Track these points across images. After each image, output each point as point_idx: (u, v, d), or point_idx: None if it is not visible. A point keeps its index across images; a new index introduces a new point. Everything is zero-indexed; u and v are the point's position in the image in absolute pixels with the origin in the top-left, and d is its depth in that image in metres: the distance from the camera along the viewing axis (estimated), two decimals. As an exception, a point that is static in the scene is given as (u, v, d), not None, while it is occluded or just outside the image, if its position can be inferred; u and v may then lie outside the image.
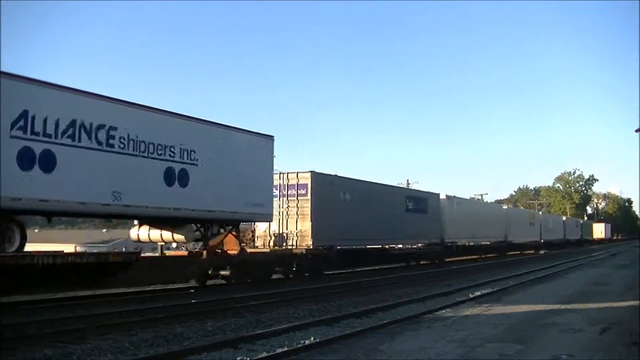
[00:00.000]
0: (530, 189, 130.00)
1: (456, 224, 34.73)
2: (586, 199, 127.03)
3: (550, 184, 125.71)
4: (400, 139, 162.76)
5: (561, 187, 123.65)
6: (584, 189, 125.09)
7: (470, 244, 38.48)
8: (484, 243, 41.43)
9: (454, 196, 36.57)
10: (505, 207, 51.34)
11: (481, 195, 60.89)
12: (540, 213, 63.88)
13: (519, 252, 49.70)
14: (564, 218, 74.60)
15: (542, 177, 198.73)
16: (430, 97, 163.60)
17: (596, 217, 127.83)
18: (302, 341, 9.39)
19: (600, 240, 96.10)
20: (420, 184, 50.55)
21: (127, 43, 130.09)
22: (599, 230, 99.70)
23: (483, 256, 40.87)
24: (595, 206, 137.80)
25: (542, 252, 54.88)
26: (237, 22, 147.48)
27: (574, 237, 75.60)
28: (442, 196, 34.46)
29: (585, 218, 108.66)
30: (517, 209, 58.90)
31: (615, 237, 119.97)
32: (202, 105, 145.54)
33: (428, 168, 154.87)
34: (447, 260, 33.63)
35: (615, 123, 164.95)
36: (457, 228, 34.82)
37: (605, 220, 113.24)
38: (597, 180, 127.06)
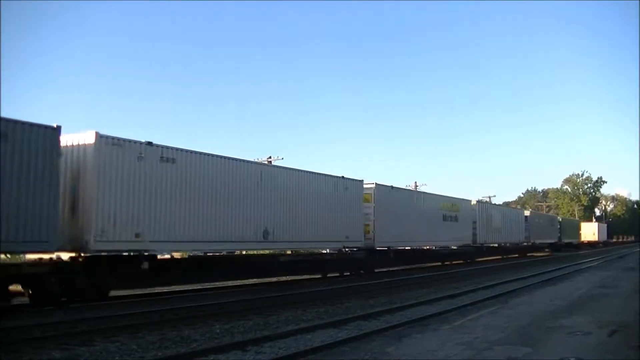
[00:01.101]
0: (539, 191, 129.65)
1: (181, 213, 16.50)
2: (594, 201, 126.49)
3: (559, 186, 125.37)
4: (408, 143, 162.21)
5: (569, 189, 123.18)
6: (592, 191, 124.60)
7: (243, 252, 20.31)
8: (316, 252, 24.03)
9: (181, 149, 16.78)
10: (371, 185, 26.53)
11: (489, 197, 57.85)
12: (474, 202, 39.10)
13: (441, 264, 34.62)
14: (527, 213, 53.40)
15: (550, 179, 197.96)
16: (438, 101, 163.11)
17: (604, 219, 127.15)
18: (310, 343, 9.39)
19: (593, 244, 79.38)
20: (428, 187, 48.33)
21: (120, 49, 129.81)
22: (590, 231, 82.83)
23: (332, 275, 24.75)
24: (603, 208, 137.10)
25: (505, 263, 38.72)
26: (235, 23, 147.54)
27: (547, 239, 57.16)
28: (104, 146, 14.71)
29: (594, 220, 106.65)
30: (403, 191, 30.64)
31: (615, 240, 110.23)
32: (202, 107, 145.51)
33: (435, 171, 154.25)
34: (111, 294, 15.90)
35: (624, 124, 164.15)
36: (175, 222, 16.29)
37: (603, 220, 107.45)
38: (606, 182, 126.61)
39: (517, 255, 47.74)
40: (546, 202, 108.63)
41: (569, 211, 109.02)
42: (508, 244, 45.27)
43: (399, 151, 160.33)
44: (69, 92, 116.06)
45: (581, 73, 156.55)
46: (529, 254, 50.65)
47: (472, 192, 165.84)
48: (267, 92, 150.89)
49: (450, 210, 34.79)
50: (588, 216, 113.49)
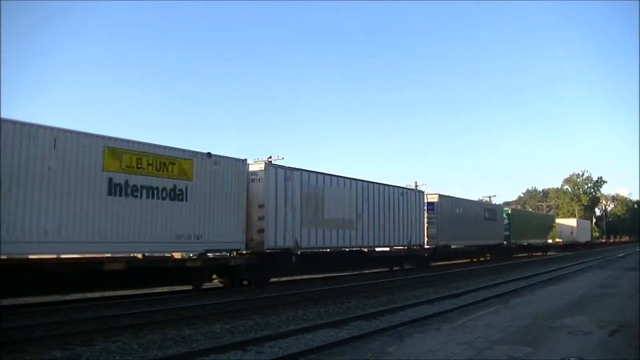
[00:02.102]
0: (539, 191, 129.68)
1: None
2: (595, 201, 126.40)
3: (559, 186, 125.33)
4: (408, 142, 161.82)
5: (569, 189, 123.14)
6: (592, 190, 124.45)
7: None
8: None
9: None
10: None
11: (489, 197, 57.06)
12: (261, 165, 19.87)
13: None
14: (433, 197, 32.19)
15: (551, 179, 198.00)
16: (438, 101, 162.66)
17: (605, 218, 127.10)
18: (311, 343, 9.39)
19: (570, 247, 64.03)
20: (428, 187, 47.19)
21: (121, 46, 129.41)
22: (567, 230, 65.59)
23: None
24: (603, 208, 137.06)
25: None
26: (235, 24, 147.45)
27: (482, 239, 37.97)
28: None
29: (594, 220, 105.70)
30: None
31: (604, 240, 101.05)
32: (201, 110, 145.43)
33: (436, 171, 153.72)
34: None
35: (624, 124, 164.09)
36: None
37: (603, 220, 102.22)
38: (606, 182, 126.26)
39: (408, 268, 29.18)
40: (546, 202, 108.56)
41: (569, 211, 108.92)
42: (377, 249, 26.09)
43: (398, 151, 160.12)
44: (68, 90, 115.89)
45: (581, 73, 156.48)
46: (434, 264, 32.30)
47: (472, 191, 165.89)
48: (267, 92, 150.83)
49: (148, 172, 15.64)
50: (588, 216, 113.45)
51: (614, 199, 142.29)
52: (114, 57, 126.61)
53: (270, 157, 33.62)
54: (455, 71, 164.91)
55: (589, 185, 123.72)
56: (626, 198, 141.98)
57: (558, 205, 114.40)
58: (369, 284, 20.50)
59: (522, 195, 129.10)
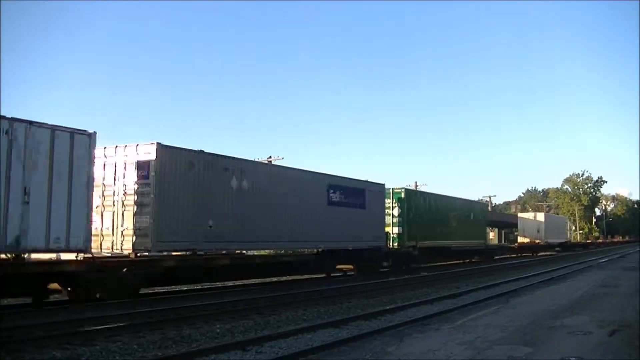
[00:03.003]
0: (539, 191, 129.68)
1: None
2: (595, 201, 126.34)
3: (559, 186, 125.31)
4: (409, 143, 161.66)
5: (570, 189, 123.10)
6: (592, 190, 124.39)
7: None
8: None
9: None
10: None
11: (489, 197, 56.29)
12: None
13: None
14: (149, 155, 15.21)
15: (551, 179, 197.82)
16: (438, 102, 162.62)
17: (605, 218, 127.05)
18: (311, 343, 9.39)
19: (532, 250, 50.45)
20: (428, 187, 46.98)
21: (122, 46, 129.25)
22: (531, 227, 51.24)
23: None
24: (603, 208, 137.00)
25: None
26: (235, 24, 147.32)
27: (314, 241, 21.34)
28: None
29: (594, 220, 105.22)
30: None
31: (589, 241, 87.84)
32: (200, 109, 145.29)
33: (436, 172, 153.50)
34: None
35: (624, 124, 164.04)
36: None
37: (603, 220, 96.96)
38: (606, 182, 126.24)
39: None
40: (546, 201, 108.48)
41: (569, 211, 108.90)
42: None
43: (399, 151, 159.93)
44: (69, 91, 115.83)
45: (581, 73, 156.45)
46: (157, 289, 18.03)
47: (472, 192, 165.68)
48: (268, 92, 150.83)
49: None
50: (588, 216, 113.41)
51: (614, 199, 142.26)
52: (114, 57, 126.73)
53: (270, 157, 33.73)
54: (455, 72, 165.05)
55: (589, 185, 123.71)
56: (626, 198, 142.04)
57: (558, 205, 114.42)
58: (368, 283, 20.46)
59: (522, 195, 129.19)
